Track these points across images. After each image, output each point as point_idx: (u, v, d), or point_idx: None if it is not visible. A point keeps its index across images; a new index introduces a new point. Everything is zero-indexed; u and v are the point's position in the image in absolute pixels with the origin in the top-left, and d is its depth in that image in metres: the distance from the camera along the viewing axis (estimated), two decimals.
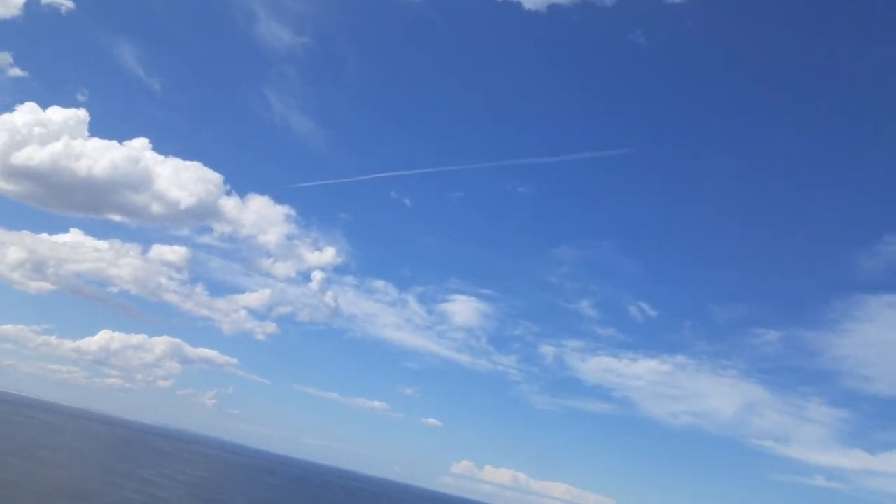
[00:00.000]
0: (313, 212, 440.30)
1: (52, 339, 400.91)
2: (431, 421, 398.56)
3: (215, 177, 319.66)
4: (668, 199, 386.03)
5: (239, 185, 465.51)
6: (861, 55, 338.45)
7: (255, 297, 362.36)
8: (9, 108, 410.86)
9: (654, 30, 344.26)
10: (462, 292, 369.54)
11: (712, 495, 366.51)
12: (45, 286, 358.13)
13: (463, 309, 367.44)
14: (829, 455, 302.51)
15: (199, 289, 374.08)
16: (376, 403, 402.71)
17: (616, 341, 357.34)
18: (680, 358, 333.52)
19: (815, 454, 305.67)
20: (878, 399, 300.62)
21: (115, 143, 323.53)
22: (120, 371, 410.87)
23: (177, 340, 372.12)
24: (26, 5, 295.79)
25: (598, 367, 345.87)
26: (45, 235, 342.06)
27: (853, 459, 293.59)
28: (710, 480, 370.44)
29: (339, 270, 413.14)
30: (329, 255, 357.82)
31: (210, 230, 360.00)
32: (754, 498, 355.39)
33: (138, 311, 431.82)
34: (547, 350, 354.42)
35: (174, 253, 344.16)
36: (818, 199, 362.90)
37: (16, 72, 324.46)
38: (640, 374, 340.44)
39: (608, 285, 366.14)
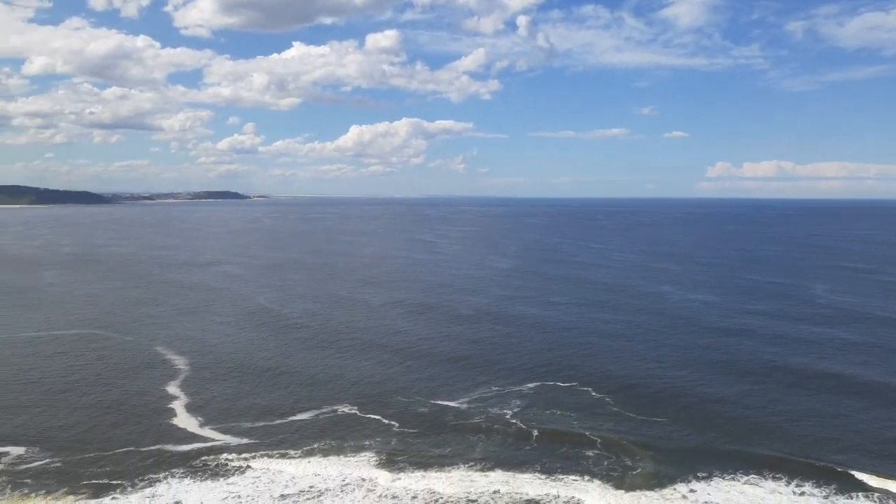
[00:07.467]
0: None
1: (316, 145, 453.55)
2: (676, 133, 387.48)
3: None
4: None
5: None
6: None
7: (471, 60, 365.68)
8: None
9: None
10: None
11: None
12: (293, 101, 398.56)
13: (686, 10, 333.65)
14: None
15: (419, 66, 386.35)
16: (614, 131, 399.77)
17: None
18: None
19: None
20: None
21: None
22: (377, 158, 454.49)
23: (415, 120, 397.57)
24: None
25: (860, 27, 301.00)
26: (275, 56, 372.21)
27: None
28: None
29: (542, 8, 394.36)
30: None
31: (411, 5, 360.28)
32: None
33: (374, 102, 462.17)
34: (794, 26, 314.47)
35: (387, 38, 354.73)
36: None
37: None
38: None
39: None
